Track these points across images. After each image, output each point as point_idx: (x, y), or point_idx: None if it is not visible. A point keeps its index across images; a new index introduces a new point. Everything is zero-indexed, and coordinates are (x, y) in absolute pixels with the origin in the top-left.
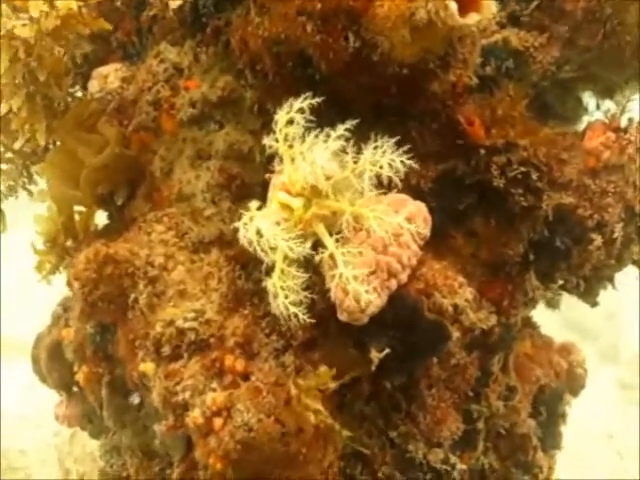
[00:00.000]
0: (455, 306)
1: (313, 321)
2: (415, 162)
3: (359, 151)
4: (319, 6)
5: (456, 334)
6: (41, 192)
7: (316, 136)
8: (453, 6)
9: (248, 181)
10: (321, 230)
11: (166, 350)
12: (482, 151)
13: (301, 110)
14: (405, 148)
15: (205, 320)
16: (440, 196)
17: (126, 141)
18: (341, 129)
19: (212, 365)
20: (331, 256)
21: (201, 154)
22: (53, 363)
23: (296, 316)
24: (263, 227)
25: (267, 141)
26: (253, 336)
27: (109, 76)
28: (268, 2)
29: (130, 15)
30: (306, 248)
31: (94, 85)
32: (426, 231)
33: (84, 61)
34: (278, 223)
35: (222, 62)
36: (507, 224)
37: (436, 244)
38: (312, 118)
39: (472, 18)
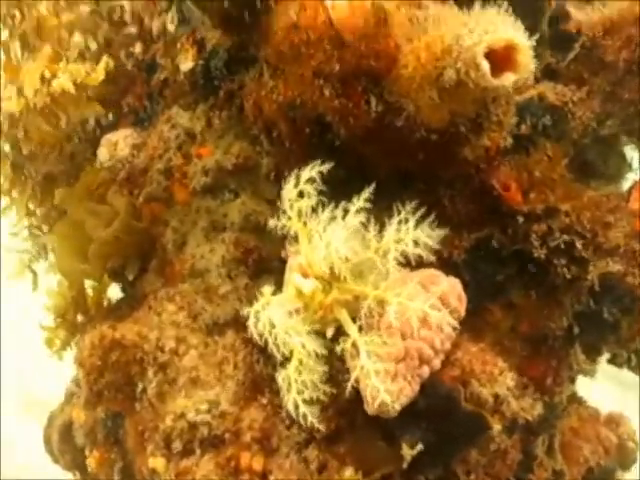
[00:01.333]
0: (496, 396)
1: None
2: (445, 232)
3: (383, 226)
4: (337, 67)
5: (497, 426)
6: (52, 265)
7: (332, 211)
8: (485, 66)
9: (266, 255)
10: (344, 316)
11: (177, 445)
12: (520, 218)
13: (311, 180)
14: (430, 219)
15: (219, 413)
16: (475, 268)
17: (137, 212)
18: (360, 202)
19: (227, 463)
20: (354, 344)
21: (215, 226)
22: (65, 445)
23: (306, 416)
24: (276, 318)
25: (276, 220)
26: (272, 429)
27: (119, 143)
28: (282, 64)
29: (141, 78)
30: (321, 345)
31: (103, 153)
32: (461, 310)
33: (96, 126)
34: (294, 312)
35: (236, 127)
36: (549, 296)
37: (472, 319)
38: (327, 189)
39: (507, 78)
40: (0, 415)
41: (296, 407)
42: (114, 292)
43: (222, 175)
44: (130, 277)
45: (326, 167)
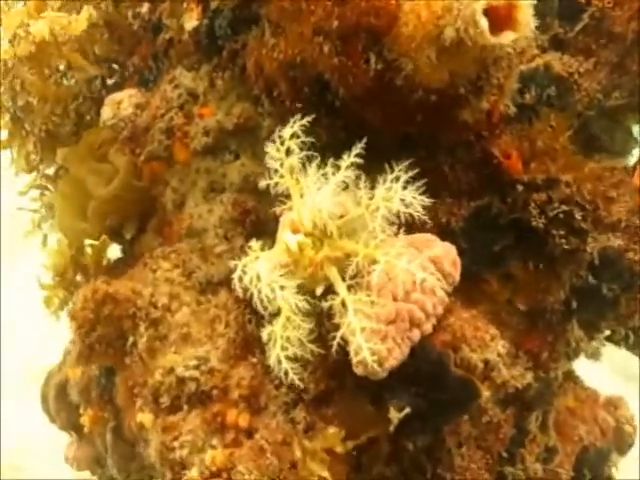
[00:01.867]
0: (486, 362)
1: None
2: (444, 198)
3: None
4: (336, 24)
5: (486, 393)
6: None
7: (324, 168)
8: (484, 23)
9: (264, 216)
10: (333, 274)
11: (165, 400)
12: (520, 187)
13: (295, 135)
14: (419, 183)
15: (208, 369)
16: (473, 236)
17: (137, 171)
18: (350, 158)
19: (213, 419)
20: (343, 303)
21: (215, 186)
22: (61, 403)
23: (288, 373)
24: (262, 272)
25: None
26: (261, 388)
27: (122, 102)
28: (283, 21)
29: (147, 39)
30: (308, 301)
31: (106, 112)
32: (455, 276)
33: (102, 86)
34: (281, 267)
35: (239, 88)
36: (547, 268)
37: (468, 289)
38: (328, 153)
39: (507, 37)
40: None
41: (279, 363)
42: (115, 253)
43: (223, 136)
44: (128, 236)
45: (307, 120)
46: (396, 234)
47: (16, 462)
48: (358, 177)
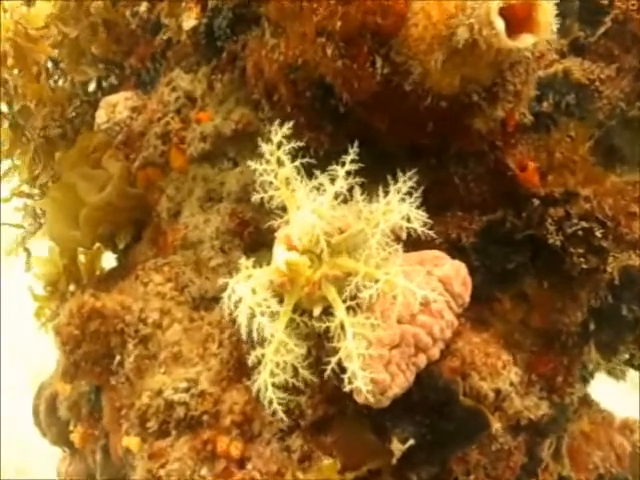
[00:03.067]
0: (497, 391)
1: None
2: (454, 212)
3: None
4: (339, 24)
5: (497, 425)
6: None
7: (321, 178)
8: (499, 24)
9: (263, 228)
10: (332, 294)
11: (152, 425)
12: (536, 201)
13: (281, 145)
14: (417, 194)
15: (198, 392)
16: (485, 253)
17: (132, 178)
18: (345, 167)
19: (203, 447)
20: (342, 325)
21: (212, 195)
22: (52, 417)
23: (272, 402)
24: (246, 295)
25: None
26: (255, 413)
27: (118, 105)
28: (284, 20)
29: (145, 39)
30: (302, 321)
31: (101, 115)
32: (465, 297)
33: (97, 88)
34: (276, 286)
35: (238, 91)
36: (564, 287)
37: (478, 308)
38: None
39: (525, 40)
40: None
41: (265, 389)
42: (111, 262)
43: (221, 142)
44: (121, 245)
45: (288, 128)
46: (404, 251)
47: (17, 462)
48: (361, 188)
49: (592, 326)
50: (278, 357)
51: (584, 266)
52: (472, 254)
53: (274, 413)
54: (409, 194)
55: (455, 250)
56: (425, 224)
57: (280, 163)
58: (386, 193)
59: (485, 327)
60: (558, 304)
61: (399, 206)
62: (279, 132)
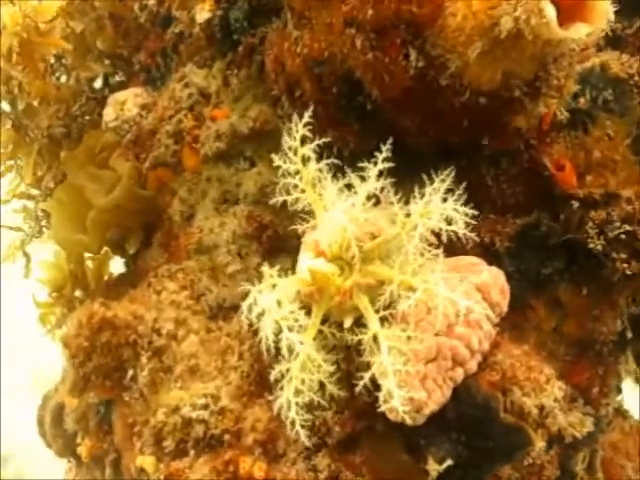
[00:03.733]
0: (541, 407)
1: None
2: (487, 215)
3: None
4: (371, 14)
5: (540, 443)
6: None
7: (350, 179)
8: (550, 11)
9: (283, 232)
10: (364, 304)
11: (169, 444)
12: (575, 203)
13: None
14: (459, 192)
15: (218, 409)
16: (519, 258)
17: (142, 179)
18: (377, 167)
19: (225, 469)
20: (375, 338)
21: (227, 197)
22: (57, 429)
23: (294, 423)
24: (271, 306)
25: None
26: (279, 431)
27: (127, 103)
28: (309, 10)
29: (155, 33)
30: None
31: (109, 113)
32: (503, 306)
33: (105, 85)
34: (303, 296)
35: (256, 88)
36: (602, 294)
37: (512, 316)
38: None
39: (578, 30)
40: None
41: (288, 409)
42: (119, 267)
43: (237, 140)
44: (131, 251)
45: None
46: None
47: (18, 463)
48: (392, 190)
49: (629, 334)
50: (304, 374)
51: (627, 272)
52: (506, 259)
53: (296, 433)
54: (450, 192)
55: (488, 255)
56: (468, 226)
57: (305, 160)
58: (422, 195)
59: (523, 337)
60: (595, 311)
61: (440, 206)
62: (301, 127)
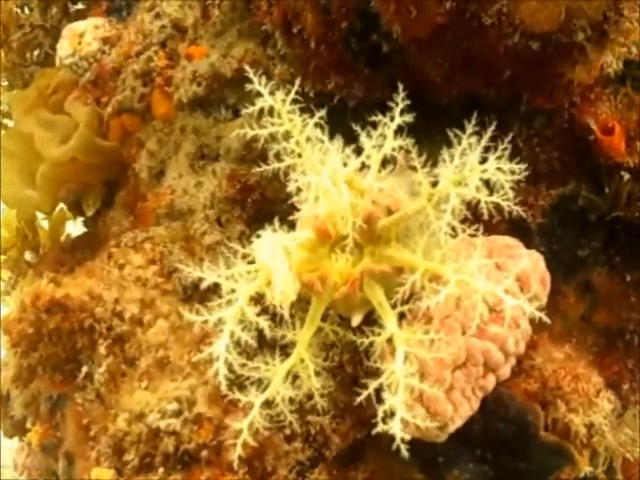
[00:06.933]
0: (590, 426)
1: None
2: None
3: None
4: None
5: (587, 468)
6: None
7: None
8: None
9: (271, 195)
10: (378, 297)
11: (131, 457)
12: (624, 174)
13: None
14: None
15: (194, 417)
16: (552, 236)
17: (103, 127)
18: (397, 119)
19: None
20: (390, 340)
21: (205, 152)
22: (6, 407)
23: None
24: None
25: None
26: (267, 442)
27: (85, 35)
28: None
29: None
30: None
31: (64, 47)
32: (543, 298)
33: (61, 14)
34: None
35: (242, 21)
36: None
37: None
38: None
39: None
40: None
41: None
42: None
43: (218, 85)
44: (89, 212)
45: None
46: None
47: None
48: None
49: None
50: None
51: None
52: (537, 237)
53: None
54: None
55: (518, 232)
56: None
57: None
58: (452, 157)
59: (564, 337)
60: (630, 299)
61: (479, 168)
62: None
